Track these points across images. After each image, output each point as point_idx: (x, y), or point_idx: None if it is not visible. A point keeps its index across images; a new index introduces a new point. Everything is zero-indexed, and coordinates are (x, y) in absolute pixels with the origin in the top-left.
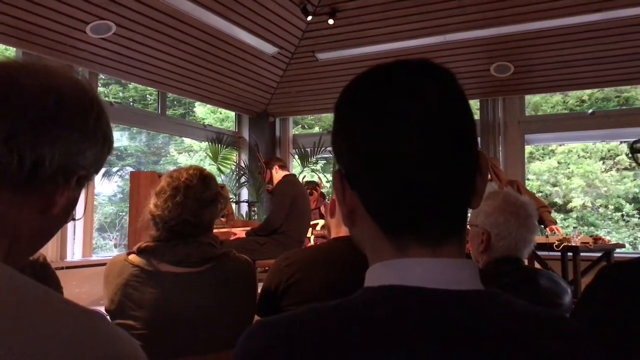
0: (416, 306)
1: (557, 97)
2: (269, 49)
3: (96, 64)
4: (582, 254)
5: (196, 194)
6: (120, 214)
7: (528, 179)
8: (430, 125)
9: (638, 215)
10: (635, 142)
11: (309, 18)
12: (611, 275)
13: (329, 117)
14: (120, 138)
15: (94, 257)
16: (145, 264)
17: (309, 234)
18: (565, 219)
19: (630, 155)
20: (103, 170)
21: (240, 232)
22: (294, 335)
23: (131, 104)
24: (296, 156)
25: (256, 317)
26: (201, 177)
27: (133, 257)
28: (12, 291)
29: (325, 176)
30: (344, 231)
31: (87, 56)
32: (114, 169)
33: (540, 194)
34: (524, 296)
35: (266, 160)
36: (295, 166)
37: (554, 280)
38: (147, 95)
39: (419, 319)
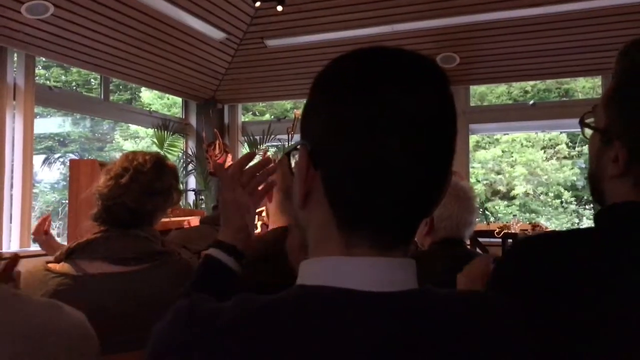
0: (350, 311)
1: (502, 87)
2: (216, 34)
3: (33, 46)
4: None
5: (144, 181)
6: (63, 201)
7: (473, 167)
8: (423, 125)
9: (576, 202)
10: (585, 113)
11: (257, 4)
12: (520, 250)
13: (280, 104)
14: (63, 124)
15: (33, 248)
16: (73, 269)
17: (255, 221)
18: (508, 206)
19: (580, 127)
20: (43, 156)
21: (194, 221)
22: (216, 331)
23: (74, 88)
24: (245, 144)
25: None
26: (156, 165)
27: (54, 266)
28: None
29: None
30: (282, 220)
31: (22, 38)
32: (56, 156)
33: (485, 182)
34: None
35: (226, 144)
36: (244, 153)
37: None
38: (92, 80)
39: (351, 324)
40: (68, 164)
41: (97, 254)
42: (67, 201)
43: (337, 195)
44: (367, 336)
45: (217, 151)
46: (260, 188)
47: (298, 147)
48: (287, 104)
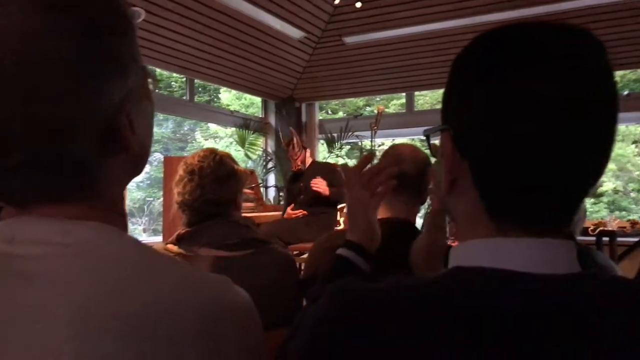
0: (509, 291)
1: None
2: (295, 33)
3: None
4: (618, 239)
5: (211, 174)
6: (148, 199)
7: None
8: (568, 108)
9: None
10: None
11: (336, 1)
12: None
13: (353, 102)
14: None
15: None
16: (185, 250)
17: (338, 217)
18: (595, 204)
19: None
20: None
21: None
22: (375, 308)
23: (157, 90)
24: (322, 141)
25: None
26: (213, 157)
27: (171, 247)
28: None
29: (350, 161)
30: (380, 212)
31: None
32: None
33: None
34: None
35: (303, 140)
36: (321, 151)
37: (607, 259)
38: (172, 82)
39: (510, 305)
40: (154, 163)
41: (202, 241)
42: (151, 199)
43: (485, 184)
44: (525, 318)
45: (296, 149)
46: (379, 189)
47: (437, 131)
48: (360, 101)
